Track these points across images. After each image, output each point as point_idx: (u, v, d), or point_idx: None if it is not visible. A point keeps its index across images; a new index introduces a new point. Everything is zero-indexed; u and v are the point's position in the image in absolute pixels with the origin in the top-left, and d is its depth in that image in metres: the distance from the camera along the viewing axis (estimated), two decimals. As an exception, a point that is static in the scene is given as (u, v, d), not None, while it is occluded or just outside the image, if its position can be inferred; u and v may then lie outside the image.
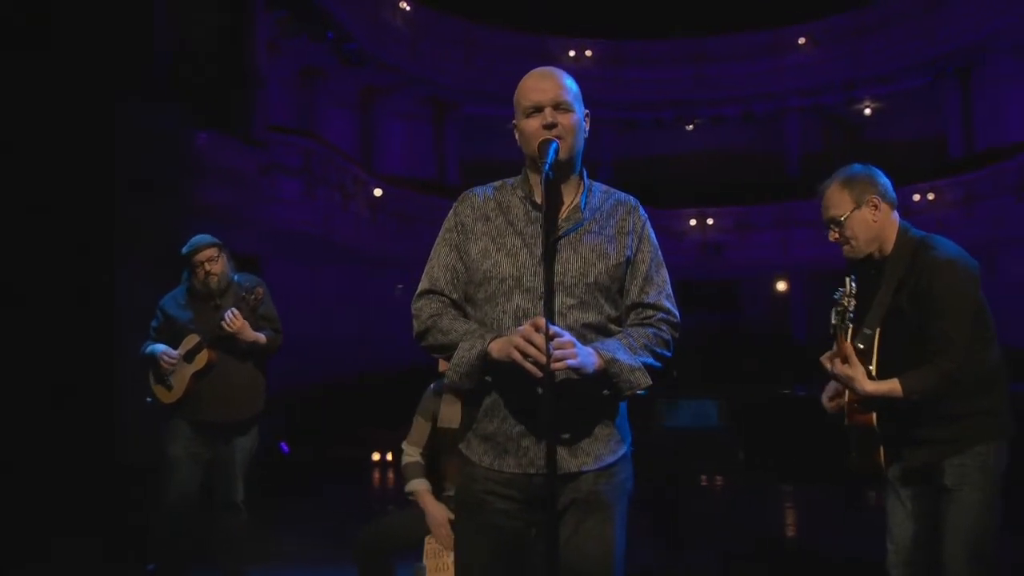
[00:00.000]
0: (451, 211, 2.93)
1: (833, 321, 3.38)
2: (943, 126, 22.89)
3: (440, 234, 2.92)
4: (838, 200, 3.59)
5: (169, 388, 5.37)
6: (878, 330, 3.43)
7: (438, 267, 2.87)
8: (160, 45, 9.83)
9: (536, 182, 2.84)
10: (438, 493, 4.52)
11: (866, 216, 3.55)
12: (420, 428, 4.65)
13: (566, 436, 2.70)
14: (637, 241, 2.86)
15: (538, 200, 2.79)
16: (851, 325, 3.36)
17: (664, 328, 2.82)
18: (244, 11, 13.60)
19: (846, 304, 3.34)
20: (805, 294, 23.29)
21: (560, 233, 2.76)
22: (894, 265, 3.52)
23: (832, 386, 3.63)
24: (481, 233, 2.82)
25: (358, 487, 10.95)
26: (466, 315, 2.84)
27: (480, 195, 2.93)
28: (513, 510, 2.74)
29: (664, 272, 2.90)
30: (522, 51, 23.85)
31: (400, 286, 21.40)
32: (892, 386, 3.30)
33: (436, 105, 23.60)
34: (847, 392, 3.47)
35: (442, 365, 4.47)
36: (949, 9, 21.34)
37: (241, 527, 5.45)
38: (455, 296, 2.84)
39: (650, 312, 2.83)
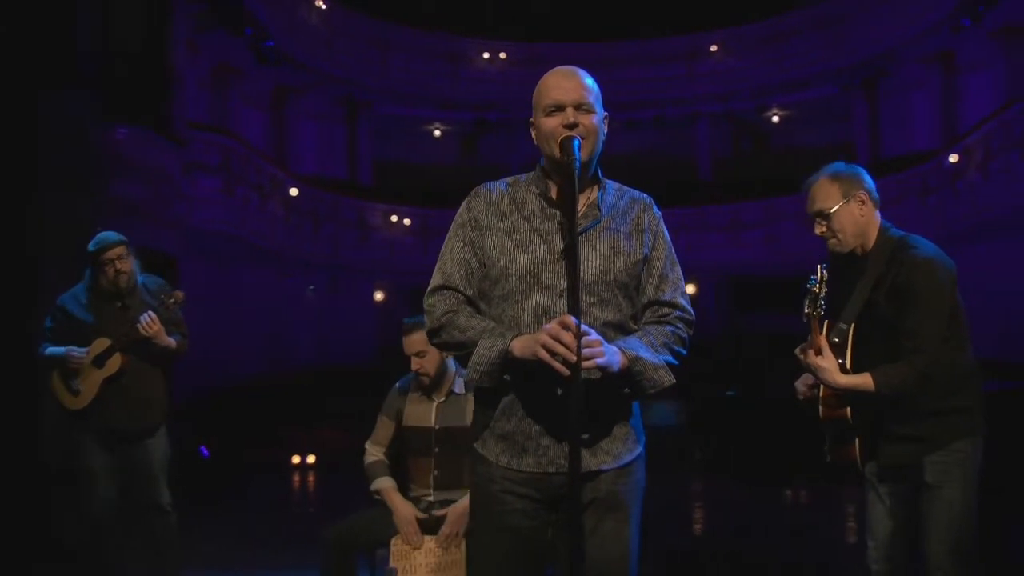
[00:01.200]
0: (463, 206, 2.90)
1: (806, 309, 3.40)
2: (851, 133, 23.30)
3: (452, 229, 2.88)
4: (827, 193, 3.66)
5: (76, 394, 5.19)
6: (853, 325, 3.50)
7: (451, 262, 2.83)
8: (83, 37, 9.60)
9: (552, 180, 2.85)
10: (403, 493, 4.51)
11: (853, 210, 3.63)
12: (384, 427, 4.66)
13: (585, 435, 2.69)
14: (653, 238, 2.86)
15: (553, 197, 2.81)
16: (822, 313, 3.39)
17: (681, 326, 2.84)
18: (166, 4, 13.34)
19: (817, 291, 3.36)
20: (716, 297, 23.67)
21: (579, 230, 2.70)
22: (874, 261, 3.59)
23: (809, 375, 3.68)
24: (497, 229, 2.80)
25: (279, 489, 10.84)
26: (479, 312, 2.82)
27: (494, 190, 2.91)
28: (531, 509, 2.74)
29: (678, 270, 2.91)
30: (437, 52, 23.84)
31: (312, 287, 21.25)
32: (864, 380, 3.35)
33: (350, 105, 23.37)
34: (821, 385, 3.53)
35: (414, 363, 4.50)
36: (857, 20, 21.77)
37: (172, 529, 5.33)
38: (469, 292, 2.81)
39: (667, 310, 2.84)
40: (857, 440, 3.56)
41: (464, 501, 4.27)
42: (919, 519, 3.54)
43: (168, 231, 12.77)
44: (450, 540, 4.30)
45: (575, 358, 2.43)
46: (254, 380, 16.40)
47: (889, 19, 20.86)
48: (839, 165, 3.76)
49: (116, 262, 5.18)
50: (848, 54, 22.12)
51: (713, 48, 23.92)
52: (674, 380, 2.71)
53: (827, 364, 3.38)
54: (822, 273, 3.36)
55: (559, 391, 2.61)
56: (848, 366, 3.44)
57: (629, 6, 22.98)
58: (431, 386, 4.55)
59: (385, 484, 4.50)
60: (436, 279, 2.84)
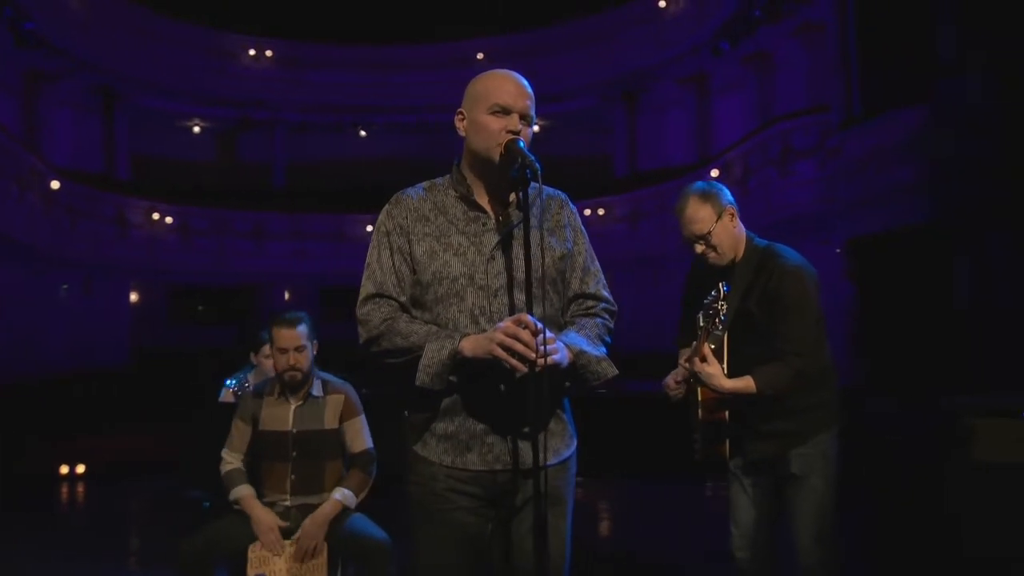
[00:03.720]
0: (384, 214, 2.88)
1: (702, 323, 3.57)
2: (610, 146, 24.26)
3: (376, 238, 2.88)
4: (702, 216, 3.77)
5: None
6: (726, 332, 3.67)
7: (381, 270, 2.81)
8: None
9: (474, 180, 2.84)
10: (258, 498, 4.39)
11: (727, 226, 3.79)
12: (240, 432, 4.49)
13: (527, 431, 2.70)
14: (573, 233, 2.91)
15: (476, 199, 2.81)
16: (721, 327, 3.55)
17: (607, 317, 2.91)
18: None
19: (719, 308, 3.49)
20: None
21: (506, 229, 2.78)
22: (742, 271, 3.78)
23: (680, 372, 3.88)
24: (423, 234, 2.79)
25: (57, 501, 10.18)
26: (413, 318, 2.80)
27: (414, 196, 2.88)
28: (475, 507, 2.76)
29: (597, 262, 2.97)
30: (201, 46, 23.29)
31: (65, 286, 20.14)
32: (747, 383, 3.55)
33: (107, 95, 22.43)
34: (700, 389, 3.73)
35: (287, 359, 4.37)
36: (620, 37, 22.75)
37: None
38: (403, 299, 2.79)
39: (592, 302, 2.90)
40: (728, 438, 3.80)
41: (322, 512, 4.31)
42: (782, 507, 3.79)
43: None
44: (308, 555, 4.25)
45: (534, 355, 2.48)
46: (9, 387, 15.32)
47: (652, 39, 21.96)
48: (700, 185, 3.89)
49: None
50: (611, 69, 23.04)
51: (480, 56, 24.33)
52: (617, 371, 2.77)
53: (713, 370, 3.57)
54: (722, 291, 3.52)
55: (503, 388, 2.65)
56: (726, 371, 3.62)
57: (400, 11, 23.08)
58: (293, 388, 4.45)
59: (244, 492, 4.37)
60: (367, 288, 2.81)
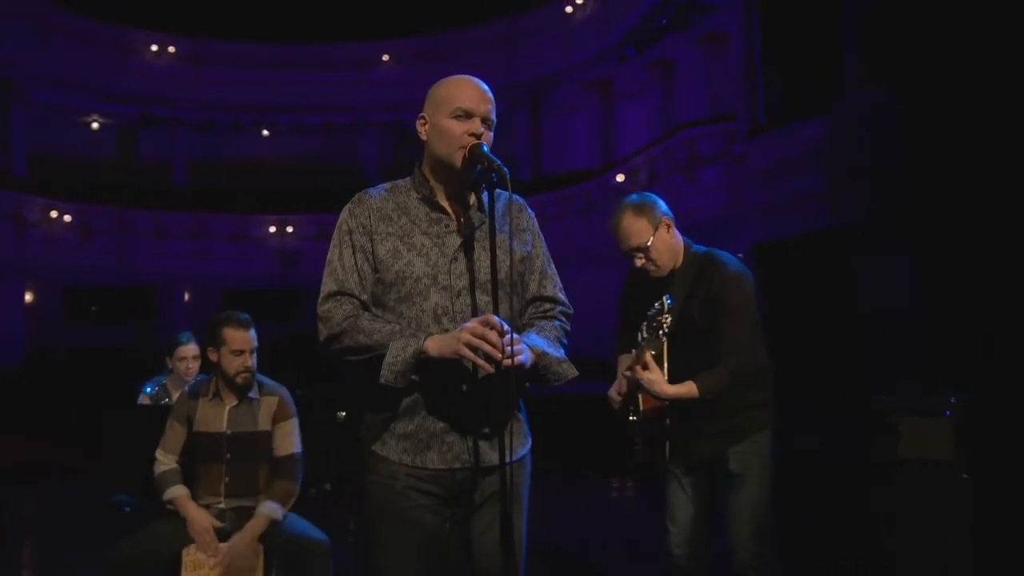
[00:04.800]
0: (345, 213, 2.88)
1: (645, 335, 3.55)
2: (514, 149, 24.37)
3: (337, 236, 2.87)
4: (638, 229, 3.78)
5: None
6: (666, 338, 3.68)
7: (343, 268, 2.81)
8: None
9: (436, 183, 2.87)
10: (194, 500, 4.33)
11: (664, 237, 3.80)
12: (175, 433, 4.41)
13: (486, 430, 2.75)
14: (532, 237, 2.95)
15: (439, 201, 2.84)
16: (665, 340, 3.56)
17: (564, 320, 2.95)
18: None
19: (662, 321, 3.48)
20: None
21: (468, 231, 2.80)
22: (682, 278, 3.82)
23: (622, 382, 3.92)
24: (386, 234, 2.81)
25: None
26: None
27: (376, 196, 2.89)
28: (434, 505, 2.78)
29: (553, 266, 3.01)
30: (103, 41, 22.87)
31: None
32: (689, 388, 3.59)
33: (3, 89, 21.84)
34: (641, 395, 3.76)
35: (240, 361, 4.31)
36: (525, 43, 22.95)
37: None
38: (364, 297, 2.80)
39: (549, 305, 2.95)
40: (668, 440, 3.86)
41: (250, 530, 4.24)
42: (718, 504, 3.89)
43: None
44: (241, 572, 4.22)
45: (501, 356, 2.52)
46: None
47: (559, 44, 22.16)
48: (633, 198, 3.90)
49: None
50: (517, 73, 23.17)
51: (385, 58, 24.27)
52: (577, 373, 2.81)
53: (655, 377, 3.60)
54: (666, 304, 3.50)
55: (465, 388, 2.69)
56: (666, 377, 3.65)
57: (307, 10, 22.90)
58: (243, 389, 4.42)
59: (178, 492, 4.30)
60: (329, 285, 2.81)
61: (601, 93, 22.66)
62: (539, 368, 2.75)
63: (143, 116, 23.72)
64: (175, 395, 5.49)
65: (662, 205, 3.85)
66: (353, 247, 2.82)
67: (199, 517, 4.25)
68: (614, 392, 3.97)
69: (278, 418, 4.46)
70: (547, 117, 23.95)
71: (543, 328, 2.88)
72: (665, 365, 3.69)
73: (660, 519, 4.04)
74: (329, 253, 2.86)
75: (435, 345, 2.62)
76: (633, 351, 3.71)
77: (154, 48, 23.63)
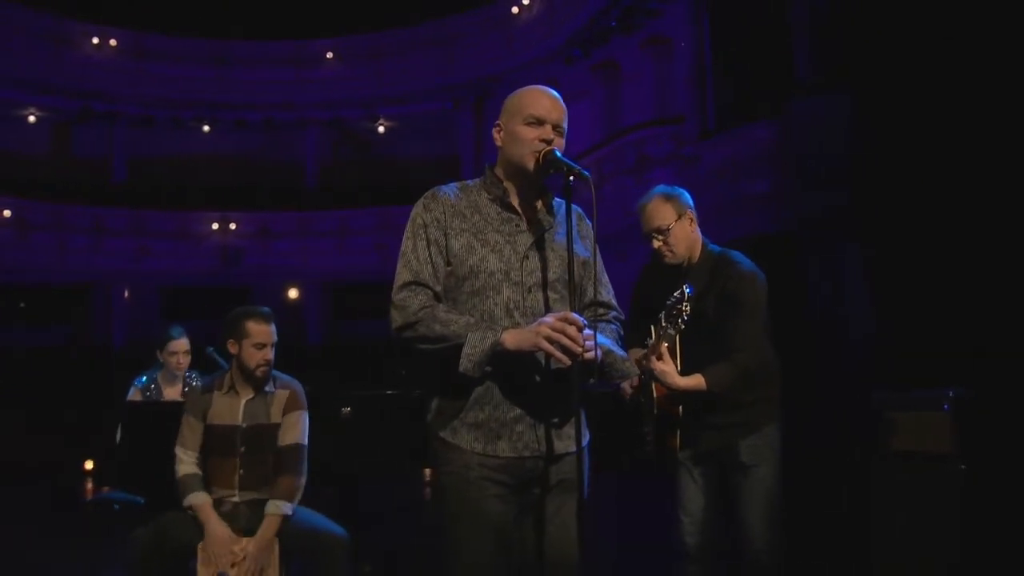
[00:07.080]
0: (419, 207, 3.01)
1: (664, 324, 3.70)
2: (456, 147, 24.37)
3: (411, 229, 2.99)
4: (662, 212, 4.05)
5: None
6: (679, 332, 3.80)
7: (417, 260, 2.94)
8: None
9: (510, 185, 3.04)
10: (208, 493, 4.32)
11: (685, 227, 4.06)
12: (192, 429, 4.41)
13: (555, 420, 2.90)
14: (592, 244, 3.10)
15: (510, 201, 3.00)
16: (683, 328, 3.68)
17: (618, 325, 3.15)
18: None
19: (682, 309, 3.61)
20: (320, 303, 23.95)
21: (537, 232, 2.98)
22: (697, 273, 4.02)
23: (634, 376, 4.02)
24: (460, 229, 2.95)
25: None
26: None
27: (451, 193, 3.04)
28: (505, 495, 2.89)
29: (606, 274, 3.19)
30: (41, 33, 22.31)
31: None
32: (698, 381, 3.79)
33: (-65, 82, 21.23)
34: (654, 386, 3.89)
35: (262, 354, 4.37)
36: (467, 43, 22.89)
37: None
38: (438, 289, 2.93)
39: (604, 310, 3.13)
40: (679, 430, 3.96)
41: (265, 534, 4.23)
42: (729, 495, 4.04)
43: None
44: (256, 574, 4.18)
45: (580, 350, 2.67)
46: None
47: (504, 44, 22.14)
48: (665, 187, 4.16)
49: None
50: (462, 72, 23.13)
51: (329, 55, 24.09)
52: (638, 372, 3.18)
53: (668, 368, 3.77)
54: (686, 293, 3.63)
55: (537, 379, 2.85)
56: (678, 369, 3.82)
57: (248, 6, 22.61)
58: (252, 382, 4.46)
59: (200, 500, 4.27)
60: (404, 275, 2.93)
61: (546, 93, 22.62)
62: (604, 365, 2.93)
63: (81, 110, 23.20)
64: (166, 389, 5.48)
65: (689, 199, 4.11)
66: (427, 240, 2.95)
67: (219, 530, 4.22)
68: (626, 384, 4.06)
69: (288, 409, 4.47)
70: (491, 117, 23.84)
71: (603, 330, 3.03)
72: (677, 357, 3.83)
73: (672, 509, 4.17)
74: (403, 245, 2.99)
75: (512, 339, 2.77)
76: (648, 342, 3.83)
77: (95, 41, 23.08)
